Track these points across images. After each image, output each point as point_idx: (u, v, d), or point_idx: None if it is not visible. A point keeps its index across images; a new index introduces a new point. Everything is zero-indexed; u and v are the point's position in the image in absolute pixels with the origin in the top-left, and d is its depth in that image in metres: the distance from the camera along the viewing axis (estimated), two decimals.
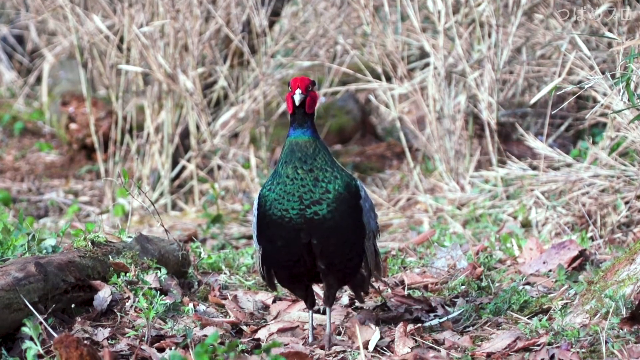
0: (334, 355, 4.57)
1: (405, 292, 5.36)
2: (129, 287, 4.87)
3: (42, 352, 4.14)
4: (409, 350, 4.58)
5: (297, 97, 4.46)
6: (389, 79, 8.22)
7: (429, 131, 7.95)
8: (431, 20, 8.36)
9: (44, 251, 5.03)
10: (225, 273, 5.82)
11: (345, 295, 5.28)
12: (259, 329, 4.89)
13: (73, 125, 9.72)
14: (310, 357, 4.48)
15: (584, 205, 6.68)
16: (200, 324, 4.76)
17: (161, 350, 4.48)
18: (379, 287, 5.40)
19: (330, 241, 4.45)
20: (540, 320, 4.71)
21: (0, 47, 12.34)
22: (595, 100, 7.22)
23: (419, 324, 4.83)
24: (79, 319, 4.63)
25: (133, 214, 8.39)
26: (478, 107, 7.85)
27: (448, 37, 7.84)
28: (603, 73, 6.28)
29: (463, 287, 5.46)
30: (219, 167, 8.78)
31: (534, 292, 5.34)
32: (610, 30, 6.96)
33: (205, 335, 4.61)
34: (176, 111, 8.65)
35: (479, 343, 4.68)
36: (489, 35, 7.69)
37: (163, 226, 5.52)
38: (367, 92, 9.94)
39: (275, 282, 4.68)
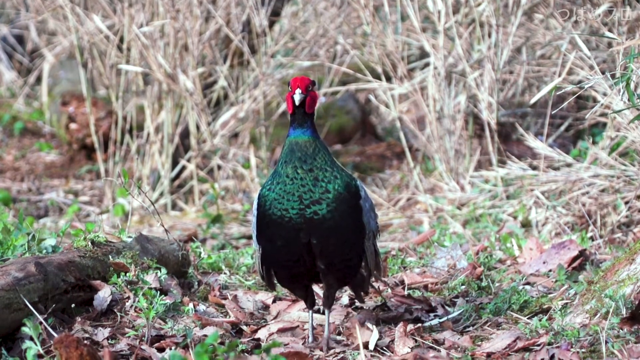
0: (333, 355, 4.57)
1: (405, 292, 5.36)
2: (129, 287, 4.87)
3: (42, 352, 4.14)
4: (409, 350, 4.58)
5: (297, 97, 4.46)
6: (389, 79, 8.22)
7: (429, 131, 7.95)
8: (431, 20, 8.36)
9: (44, 251, 5.03)
10: (225, 273, 5.82)
11: (345, 295, 5.28)
12: (259, 329, 4.89)
13: (73, 125, 9.72)
14: (310, 357, 4.48)
15: (584, 205, 6.68)
16: (200, 324, 4.76)
17: (161, 350, 4.48)
18: (379, 287, 5.40)
19: (330, 241, 4.45)
20: (540, 320, 4.71)
21: (0, 47, 12.34)
22: (595, 100, 7.22)
23: (419, 324, 4.83)
24: (79, 319, 4.63)
25: (133, 213, 8.39)
26: (478, 107, 7.85)
27: (448, 37, 7.84)
28: (603, 73, 6.28)
29: (463, 287, 5.46)
30: (219, 167, 8.78)
31: (534, 292, 5.34)
32: (610, 30, 6.96)
33: (205, 335, 4.61)
34: (176, 111, 8.65)
35: (479, 343, 4.68)
36: (489, 35, 7.69)
37: (163, 226, 5.52)
38: (367, 92, 9.94)
39: (275, 282, 4.68)
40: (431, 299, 5.24)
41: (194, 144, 8.61)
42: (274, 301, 5.24)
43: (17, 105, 11.55)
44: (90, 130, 9.10)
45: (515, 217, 7.02)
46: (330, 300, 4.64)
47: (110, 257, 4.98)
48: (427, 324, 4.92)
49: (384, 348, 4.65)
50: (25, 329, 4.15)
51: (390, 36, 7.95)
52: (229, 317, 5.02)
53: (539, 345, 4.51)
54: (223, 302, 5.15)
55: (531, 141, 7.21)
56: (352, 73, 8.73)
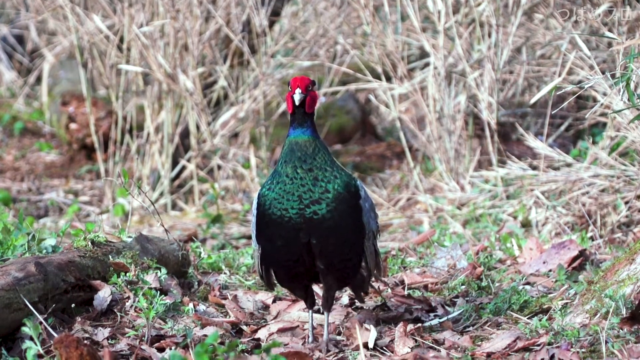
0: (333, 355, 4.57)
1: (405, 292, 5.36)
2: (129, 287, 4.87)
3: (42, 352, 4.14)
4: (409, 350, 4.58)
5: (297, 97, 4.46)
6: (389, 79, 8.22)
7: (428, 131, 7.95)
8: (431, 20, 8.36)
9: (44, 251, 5.03)
10: (225, 273, 5.82)
11: (345, 295, 5.28)
12: (259, 328, 4.89)
13: (73, 125, 9.72)
14: (310, 356, 4.48)
15: (584, 205, 6.68)
16: (200, 323, 4.76)
17: (161, 350, 4.48)
18: (379, 287, 5.40)
19: (330, 241, 4.45)
20: (540, 320, 4.71)
21: (0, 47, 12.34)
22: (595, 100, 7.22)
23: (419, 324, 4.83)
24: (79, 319, 4.63)
25: (133, 213, 8.39)
26: (478, 107, 7.85)
27: (448, 37, 7.84)
28: (603, 73, 6.28)
29: (463, 287, 5.46)
30: (219, 167, 8.78)
31: (534, 292, 5.34)
32: (610, 30, 6.96)
33: (205, 335, 4.61)
34: (176, 111, 8.65)
35: (479, 343, 4.68)
36: (489, 35, 7.69)
37: (163, 226, 5.52)
38: (367, 92, 9.94)
39: (274, 281, 4.68)
40: (431, 299, 5.24)
41: (194, 144, 8.61)
42: (274, 301, 5.24)
43: (17, 105, 11.55)
44: (90, 130, 9.10)
45: (515, 217, 7.02)
46: (329, 302, 4.63)
47: (110, 257, 4.98)
48: (427, 324, 4.92)
49: (384, 348, 4.65)
50: (25, 329, 4.15)
51: (390, 36, 7.95)
52: (229, 317, 5.02)
53: (539, 345, 4.51)
54: (223, 302, 5.15)
55: (531, 141, 7.21)
56: (352, 73, 8.73)
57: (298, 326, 4.89)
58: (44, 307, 4.48)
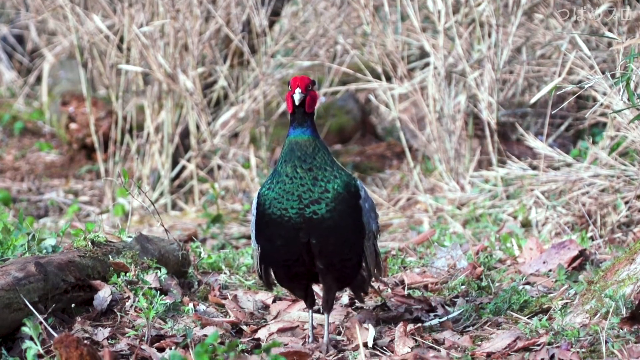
0: (333, 355, 4.57)
1: (405, 292, 5.36)
2: (129, 287, 4.87)
3: (42, 351, 4.14)
4: (409, 350, 4.58)
5: (297, 97, 4.46)
6: (389, 79, 8.22)
7: (428, 131, 7.95)
8: (431, 20, 8.36)
9: (44, 251, 5.03)
10: (225, 273, 5.82)
11: (345, 295, 5.28)
12: (259, 328, 4.89)
13: (73, 125, 9.72)
14: (310, 356, 4.48)
15: (584, 205, 6.68)
16: (200, 323, 4.76)
17: (161, 350, 4.48)
18: (378, 287, 5.40)
19: (329, 241, 4.44)
20: (540, 320, 4.71)
21: (0, 47, 12.34)
22: (595, 100, 7.22)
23: (419, 324, 4.83)
24: (79, 319, 4.63)
25: (133, 213, 8.39)
26: (478, 107, 7.85)
27: (448, 37, 7.84)
28: (603, 73, 6.28)
29: (463, 287, 5.46)
30: (219, 167, 8.78)
31: (534, 292, 5.34)
32: (610, 30, 6.96)
33: (205, 335, 4.61)
34: (176, 111, 8.65)
35: (479, 343, 4.68)
36: (489, 35, 7.69)
37: (163, 226, 5.52)
38: (367, 92, 9.94)
39: (273, 281, 4.68)
40: (431, 299, 5.24)
41: (194, 143, 8.61)
42: (274, 301, 5.24)
43: (17, 105, 11.55)
44: (90, 130, 9.10)
45: (515, 217, 7.02)
46: (329, 304, 4.63)
47: (110, 257, 4.98)
48: (427, 324, 4.92)
49: (384, 348, 4.65)
50: (25, 329, 4.15)
51: (390, 36, 7.95)
52: (229, 317, 5.02)
53: (539, 345, 4.51)
54: (223, 302, 5.15)
55: (531, 141, 7.21)
56: (352, 73, 8.73)
57: (298, 326, 4.89)
58: (44, 307, 4.48)
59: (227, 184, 8.72)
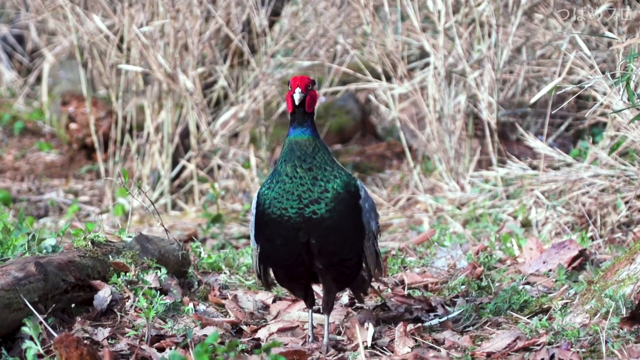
0: (333, 355, 4.57)
1: (405, 292, 5.36)
2: (129, 286, 4.87)
3: (42, 351, 4.14)
4: (409, 349, 4.58)
5: (297, 96, 4.45)
6: (389, 79, 8.22)
7: (428, 131, 7.95)
8: (431, 20, 8.36)
9: (44, 251, 5.03)
10: (225, 273, 5.82)
11: (345, 295, 5.28)
12: (259, 328, 4.89)
13: (73, 125, 9.72)
14: (310, 354, 4.48)
15: (584, 205, 6.68)
16: (200, 323, 4.76)
17: (161, 350, 4.48)
18: (378, 287, 5.40)
19: (329, 241, 4.44)
20: (540, 320, 4.71)
21: (0, 46, 12.34)
22: (595, 100, 7.22)
23: (419, 324, 4.83)
24: (79, 319, 4.63)
25: (133, 213, 8.39)
26: (478, 107, 7.85)
27: (448, 37, 7.84)
28: (603, 73, 6.28)
29: (463, 286, 5.46)
30: (219, 167, 8.78)
31: (534, 292, 5.34)
32: (610, 30, 6.96)
33: (205, 335, 4.61)
34: (176, 111, 8.65)
35: (479, 343, 4.68)
36: (489, 35, 7.69)
37: (163, 226, 5.52)
38: (367, 91, 9.93)
39: (272, 281, 4.69)
40: (431, 298, 5.24)
41: (194, 143, 8.61)
42: (274, 301, 5.24)
43: (17, 105, 11.55)
44: (90, 130, 9.10)
45: (515, 217, 7.02)
46: (329, 305, 4.63)
47: (110, 257, 4.98)
48: (427, 324, 4.92)
49: (384, 348, 4.65)
50: (25, 329, 4.15)
51: (390, 36, 7.95)
52: (229, 317, 5.02)
53: (539, 345, 4.51)
54: (223, 302, 5.14)
55: (531, 141, 7.21)
56: (352, 73, 8.73)
57: (298, 326, 4.89)
58: (44, 307, 4.48)
59: (227, 184, 8.72)
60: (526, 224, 6.89)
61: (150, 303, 4.71)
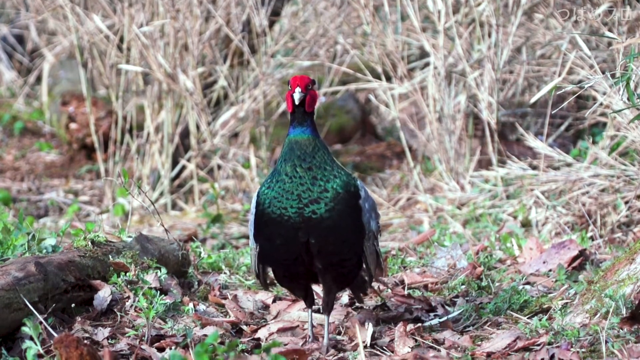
0: (333, 355, 4.57)
1: (405, 292, 5.36)
2: (129, 286, 4.87)
3: (42, 351, 4.14)
4: (409, 349, 4.58)
5: (297, 96, 4.45)
6: (389, 79, 8.22)
7: (428, 131, 7.95)
8: (431, 20, 8.36)
9: (44, 251, 5.03)
10: (225, 273, 5.82)
11: (345, 295, 5.28)
12: (259, 328, 4.89)
13: (73, 125, 9.72)
14: (309, 353, 4.48)
15: (584, 204, 6.68)
16: (200, 323, 4.76)
17: (161, 349, 4.48)
18: (378, 287, 5.39)
19: (328, 240, 4.43)
20: (540, 320, 4.71)
21: (0, 46, 12.34)
22: (595, 100, 7.22)
23: (419, 324, 4.83)
24: (79, 319, 4.63)
25: (133, 213, 8.39)
26: (478, 107, 7.85)
27: (448, 36, 7.84)
28: (603, 72, 6.28)
29: (463, 286, 5.46)
30: (219, 167, 8.78)
31: (534, 292, 5.34)
32: (610, 30, 6.96)
33: (205, 335, 4.61)
34: (176, 111, 8.65)
35: (479, 343, 4.68)
36: (489, 35, 7.69)
37: (163, 226, 5.52)
38: (367, 91, 9.93)
39: (270, 281, 4.69)
40: (431, 298, 5.24)
41: (194, 143, 8.61)
42: (274, 301, 5.24)
43: (17, 105, 11.55)
44: (90, 130, 9.10)
45: (515, 217, 7.02)
46: (330, 306, 4.63)
47: (110, 256, 4.98)
48: (427, 324, 4.92)
49: (384, 348, 4.65)
50: (25, 329, 4.15)
51: (390, 36, 7.95)
52: (229, 317, 5.02)
53: (539, 345, 4.51)
54: (223, 301, 5.14)
55: (531, 141, 7.21)
56: (352, 73, 8.73)
57: (298, 326, 4.89)
58: (44, 307, 4.48)
59: (227, 184, 8.72)
60: (526, 224, 6.89)
61: (150, 303, 4.71)
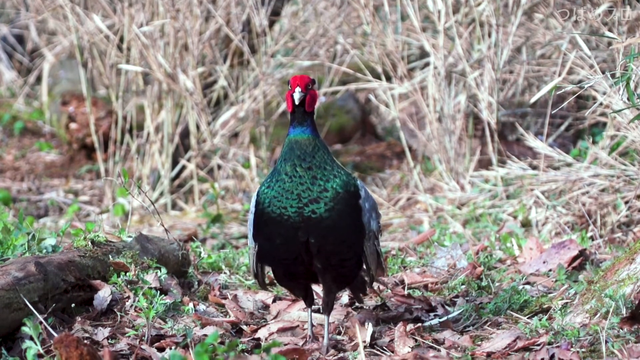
0: (333, 355, 4.57)
1: (405, 292, 5.36)
2: (129, 286, 4.87)
3: (42, 351, 4.14)
4: (409, 349, 4.58)
5: (297, 96, 4.45)
6: (389, 79, 8.22)
7: (428, 131, 7.95)
8: (431, 19, 8.36)
9: (44, 251, 5.03)
10: (225, 273, 5.82)
11: (345, 295, 5.28)
12: (259, 328, 4.89)
13: (73, 125, 9.72)
14: (309, 353, 4.48)
15: (584, 204, 6.68)
16: (200, 323, 4.76)
17: (161, 349, 4.48)
18: (378, 287, 5.39)
19: (328, 240, 4.43)
20: (540, 320, 4.71)
21: (0, 46, 12.34)
22: (595, 100, 7.22)
23: (419, 324, 4.83)
24: (79, 319, 4.63)
25: (133, 213, 8.39)
26: (478, 106, 7.85)
27: (448, 36, 7.84)
28: (603, 72, 6.28)
29: (463, 286, 5.46)
30: (219, 167, 8.78)
31: (534, 292, 5.34)
32: (610, 30, 6.96)
33: (205, 335, 4.61)
34: (176, 111, 8.65)
35: (479, 343, 4.68)
36: (489, 35, 7.69)
37: (163, 226, 5.52)
38: (367, 91, 9.93)
39: (267, 281, 4.69)
40: (431, 298, 5.24)
41: (194, 143, 8.61)
42: (274, 301, 5.24)
43: (17, 105, 11.55)
44: (90, 130, 9.10)
45: (515, 217, 7.02)
46: (329, 306, 4.62)
47: (110, 256, 4.98)
48: (427, 324, 4.92)
49: (384, 347, 4.65)
50: (25, 329, 4.15)
51: (390, 36, 7.95)
52: (229, 316, 5.02)
53: (539, 344, 4.51)
54: (223, 301, 5.14)
55: (531, 141, 7.21)
56: (352, 73, 8.73)
57: (298, 326, 4.89)
58: (44, 307, 4.48)
59: (227, 184, 8.72)
60: (526, 224, 6.89)
61: (150, 303, 4.71)
